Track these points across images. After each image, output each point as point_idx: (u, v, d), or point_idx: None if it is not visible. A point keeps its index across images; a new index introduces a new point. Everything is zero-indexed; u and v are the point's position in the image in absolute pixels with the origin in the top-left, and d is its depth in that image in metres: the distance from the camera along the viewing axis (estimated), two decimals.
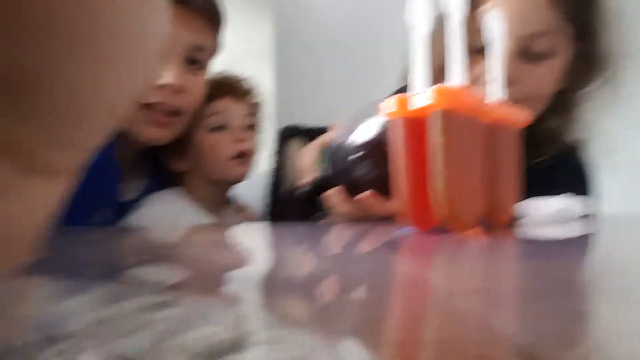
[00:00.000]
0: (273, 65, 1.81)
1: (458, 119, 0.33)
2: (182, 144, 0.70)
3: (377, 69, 2.24)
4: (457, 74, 0.36)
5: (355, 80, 2.19)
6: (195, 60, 0.64)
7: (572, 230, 0.43)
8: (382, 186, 0.48)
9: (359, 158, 0.48)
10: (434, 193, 0.33)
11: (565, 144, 0.66)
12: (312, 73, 2.24)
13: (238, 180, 0.75)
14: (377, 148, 0.47)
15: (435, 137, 0.33)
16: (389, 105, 0.36)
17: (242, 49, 1.73)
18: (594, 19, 0.60)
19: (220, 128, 0.72)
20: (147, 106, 0.60)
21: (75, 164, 0.12)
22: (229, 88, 0.74)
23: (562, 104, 0.64)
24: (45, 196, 0.11)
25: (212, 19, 0.65)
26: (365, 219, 0.52)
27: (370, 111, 0.49)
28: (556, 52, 0.59)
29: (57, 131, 0.10)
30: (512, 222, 0.41)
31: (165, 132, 0.64)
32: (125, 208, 0.66)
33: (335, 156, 0.52)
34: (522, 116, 0.43)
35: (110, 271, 0.22)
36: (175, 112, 0.63)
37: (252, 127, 0.77)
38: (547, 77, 0.60)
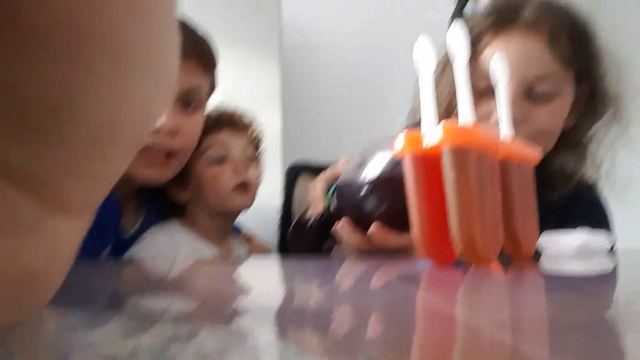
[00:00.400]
0: (279, 103, 1.85)
1: (469, 155, 0.33)
2: (183, 176, 0.71)
3: (382, 108, 2.29)
4: (465, 111, 0.37)
5: (360, 119, 2.22)
6: (190, 101, 0.65)
7: (596, 266, 0.42)
8: (392, 220, 0.48)
9: (369, 191, 0.48)
10: (453, 228, 0.32)
11: (580, 181, 0.66)
12: (318, 111, 2.28)
13: (240, 211, 0.75)
14: (386, 182, 0.47)
15: (447, 173, 0.33)
16: (402, 142, 0.37)
17: (249, 88, 1.77)
18: (593, 62, 0.62)
19: (220, 160, 0.72)
20: (142, 148, 0.60)
21: (96, 198, 0.11)
22: (227, 121, 0.75)
23: (572, 142, 0.65)
24: (67, 235, 0.11)
25: (204, 61, 0.66)
26: (374, 252, 0.51)
27: (380, 145, 0.49)
28: (559, 93, 0.61)
29: (78, 161, 0.09)
30: (533, 256, 0.41)
31: (162, 173, 0.64)
32: (125, 244, 0.65)
33: (345, 189, 0.52)
34: (533, 152, 0.43)
35: (122, 303, 0.22)
36: (170, 154, 0.64)
37: (252, 159, 0.77)
38: (551, 117, 0.61)
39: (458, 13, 2.04)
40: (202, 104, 0.68)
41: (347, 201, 0.51)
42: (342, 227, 0.51)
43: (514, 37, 0.61)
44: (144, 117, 0.11)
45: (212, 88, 0.72)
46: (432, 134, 0.34)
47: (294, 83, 2.19)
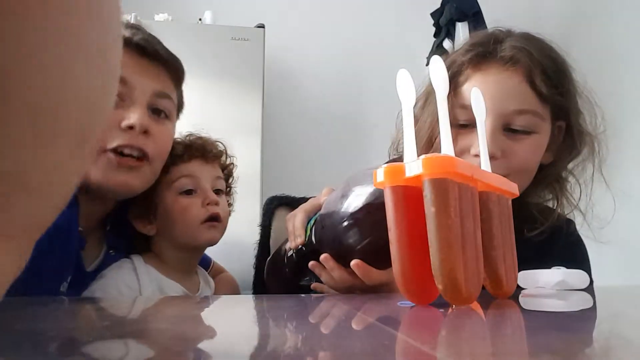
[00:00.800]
0: (260, 136, 1.85)
1: (450, 186, 0.33)
2: (149, 207, 0.68)
3: (361, 142, 2.31)
4: (446, 143, 0.37)
5: (340, 153, 2.24)
6: (159, 110, 0.64)
7: (575, 303, 0.41)
8: (373, 254, 0.46)
9: (351, 225, 0.47)
10: (434, 262, 0.31)
11: (559, 218, 0.67)
12: (298, 145, 2.29)
13: (208, 245, 0.72)
14: (369, 215, 0.45)
15: (428, 204, 0.32)
16: (383, 173, 0.36)
17: (230, 120, 1.77)
18: (569, 98, 0.64)
19: (190, 191, 0.69)
20: (114, 151, 0.59)
21: (41, 217, 0.10)
22: (198, 150, 0.72)
23: (550, 178, 0.66)
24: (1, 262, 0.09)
25: (174, 70, 0.66)
26: (353, 287, 0.50)
27: (362, 177, 0.48)
28: (537, 129, 0.61)
29: (20, 153, 0.08)
30: (513, 293, 0.40)
31: (135, 178, 0.61)
32: (86, 278, 0.62)
33: (326, 221, 0.50)
34: (511, 187, 0.43)
35: (76, 350, 0.20)
36: (143, 156, 0.61)
37: (222, 191, 0.74)
38: (529, 153, 0.62)
39: (437, 48, 2.11)
40: (171, 116, 0.67)
41: (329, 234, 0.50)
42: (324, 262, 0.50)
43: (492, 72, 0.62)
44: (89, 105, 0.10)
45: (180, 105, 0.70)
46: (413, 165, 0.34)
47: (274, 116, 2.21)
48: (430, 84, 0.65)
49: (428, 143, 0.65)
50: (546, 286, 0.50)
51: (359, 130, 2.34)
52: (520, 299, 0.43)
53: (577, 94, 0.65)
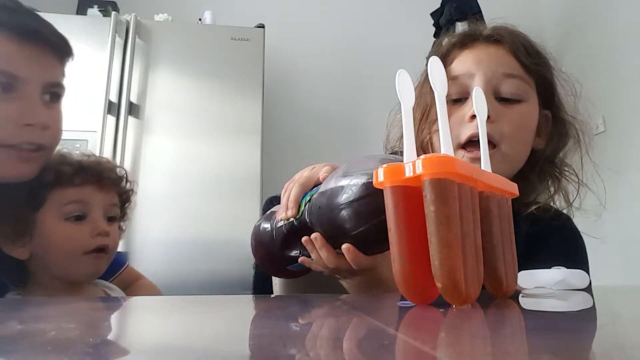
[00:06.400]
0: (259, 136, 1.86)
1: (450, 188, 0.33)
2: (24, 225, 0.60)
3: (359, 143, 2.32)
4: (446, 145, 0.37)
5: (338, 153, 2.24)
6: (57, 95, 0.63)
7: (575, 303, 0.41)
8: (365, 242, 0.47)
9: (348, 212, 0.46)
10: (434, 261, 0.31)
11: (554, 214, 0.67)
12: (297, 144, 2.29)
13: (91, 278, 0.65)
14: (367, 205, 0.45)
15: (428, 205, 0.33)
16: (383, 174, 0.36)
17: (232, 123, 1.77)
18: (550, 75, 0.68)
19: (78, 218, 0.62)
20: (10, 145, 0.57)
21: None
22: (94, 176, 0.65)
23: (545, 161, 0.69)
24: None
25: (60, 51, 0.63)
26: (339, 269, 0.50)
27: (364, 163, 0.48)
28: (525, 97, 0.65)
29: None
30: (513, 293, 0.40)
31: (31, 167, 0.59)
32: None
33: (322, 203, 0.50)
34: (511, 187, 0.43)
35: (75, 349, 0.20)
36: (39, 148, 0.59)
37: (116, 219, 0.68)
38: (521, 118, 0.65)
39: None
40: (61, 97, 0.65)
41: (324, 215, 0.49)
42: (313, 240, 0.50)
43: (478, 47, 0.68)
44: None
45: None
46: (410, 166, 0.34)
47: (274, 116, 2.21)
48: (422, 85, 0.68)
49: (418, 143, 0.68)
50: (546, 286, 0.50)
51: (358, 130, 2.34)
52: (520, 299, 0.43)
53: (555, 75, 0.69)
